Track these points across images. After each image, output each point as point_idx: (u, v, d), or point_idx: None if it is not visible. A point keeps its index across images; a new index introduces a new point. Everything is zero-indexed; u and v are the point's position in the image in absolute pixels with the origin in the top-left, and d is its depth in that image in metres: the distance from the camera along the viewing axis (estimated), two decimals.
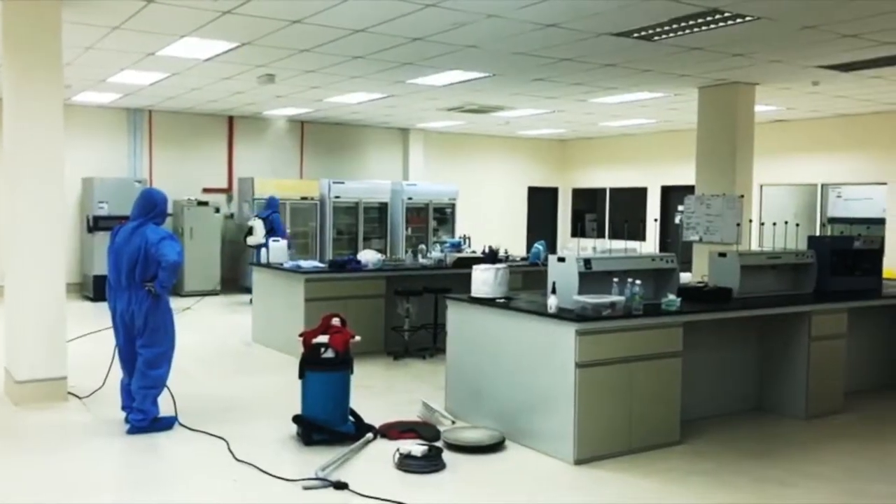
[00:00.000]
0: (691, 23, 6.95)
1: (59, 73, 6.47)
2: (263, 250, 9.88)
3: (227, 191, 14.79)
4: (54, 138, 6.40)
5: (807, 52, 8.18)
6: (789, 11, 6.60)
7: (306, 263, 8.87)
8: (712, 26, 7.05)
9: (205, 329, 10.09)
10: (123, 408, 5.74)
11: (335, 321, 5.64)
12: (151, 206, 5.68)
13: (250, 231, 11.86)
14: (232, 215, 14.68)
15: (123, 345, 5.68)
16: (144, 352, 5.58)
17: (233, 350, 8.90)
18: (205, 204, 13.70)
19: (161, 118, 14.05)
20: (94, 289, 12.26)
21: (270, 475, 4.69)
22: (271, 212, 12.18)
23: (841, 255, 7.01)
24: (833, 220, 13.68)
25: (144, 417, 5.56)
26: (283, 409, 5.80)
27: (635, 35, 7.45)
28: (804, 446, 5.64)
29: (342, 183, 14.64)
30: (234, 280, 14.08)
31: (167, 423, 5.66)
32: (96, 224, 12.40)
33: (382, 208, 15.07)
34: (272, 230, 11.75)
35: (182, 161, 14.29)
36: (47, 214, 6.41)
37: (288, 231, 12.89)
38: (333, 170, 15.67)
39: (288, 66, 9.40)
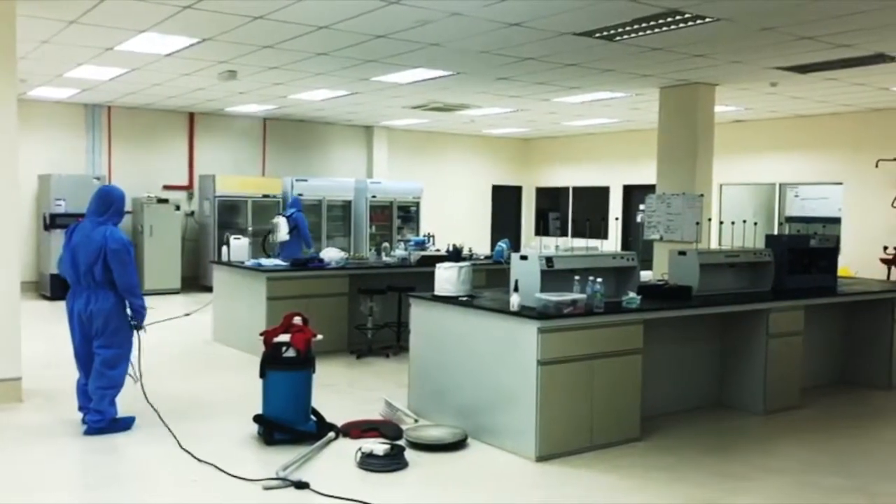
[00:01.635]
0: (652, 23, 7.02)
1: (13, 67, 6.32)
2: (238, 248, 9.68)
3: (188, 188, 14.61)
4: (8, 134, 6.26)
5: (765, 54, 8.31)
6: (748, 13, 6.70)
7: (268, 261, 8.80)
8: (673, 27, 7.14)
9: (165, 328, 9.95)
10: (80, 408, 5.65)
11: (297, 320, 5.60)
12: (108, 203, 5.57)
13: (274, 229, 11.71)
14: (193, 213, 14.51)
15: (80, 345, 5.58)
16: (102, 352, 5.48)
17: (193, 349, 8.79)
18: (165, 201, 13.51)
19: (120, 114, 13.82)
20: (51, 287, 12.03)
21: (231, 475, 4.64)
22: (295, 210, 12.02)
23: (798, 253, 7.14)
24: (790, 219, 13.91)
25: (102, 418, 5.47)
26: (244, 408, 5.75)
27: (597, 35, 7.51)
28: (762, 441, 5.74)
29: (305, 181, 14.52)
30: (194, 278, 13.91)
31: (126, 424, 5.58)
32: (53, 222, 12.15)
33: (346, 206, 14.98)
34: (296, 228, 11.61)
35: (142, 158, 14.08)
36: (1, 212, 6.27)
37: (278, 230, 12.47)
38: (297, 167, 15.55)
39: (250, 63, 9.31)
